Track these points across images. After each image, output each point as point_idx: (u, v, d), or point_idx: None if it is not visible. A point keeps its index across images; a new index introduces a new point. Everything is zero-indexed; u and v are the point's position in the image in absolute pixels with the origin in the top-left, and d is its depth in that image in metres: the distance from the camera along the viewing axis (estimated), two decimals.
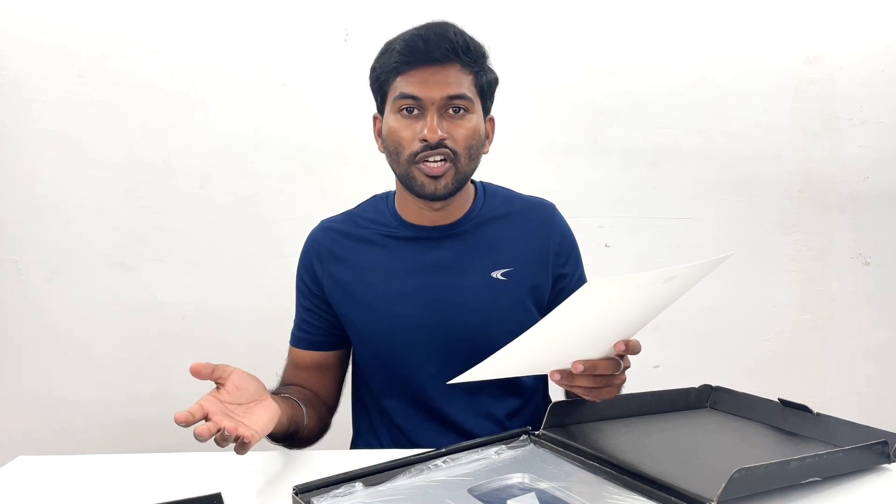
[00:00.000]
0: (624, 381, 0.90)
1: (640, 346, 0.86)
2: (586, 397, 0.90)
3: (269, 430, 0.88)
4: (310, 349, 1.17)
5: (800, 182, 1.94)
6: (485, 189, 1.18)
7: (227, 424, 0.79)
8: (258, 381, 0.91)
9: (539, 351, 0.83)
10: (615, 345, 0.84)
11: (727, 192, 1.92)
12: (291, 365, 1.19)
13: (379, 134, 1.10)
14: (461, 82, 1.02)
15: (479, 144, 1.06)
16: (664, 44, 1.87)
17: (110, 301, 1.76)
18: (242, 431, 0.80)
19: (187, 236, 1.77)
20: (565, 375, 0.85)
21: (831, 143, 1.94)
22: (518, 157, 1.82)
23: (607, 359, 0.85)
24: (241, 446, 0.80)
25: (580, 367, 0.83)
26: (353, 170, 1.79)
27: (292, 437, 1.05)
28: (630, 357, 0.89)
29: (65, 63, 1.70)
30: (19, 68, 1.69)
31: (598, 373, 0.84)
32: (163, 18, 1.72)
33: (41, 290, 1.74)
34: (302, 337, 1.18)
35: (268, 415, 0.88)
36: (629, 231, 1.91)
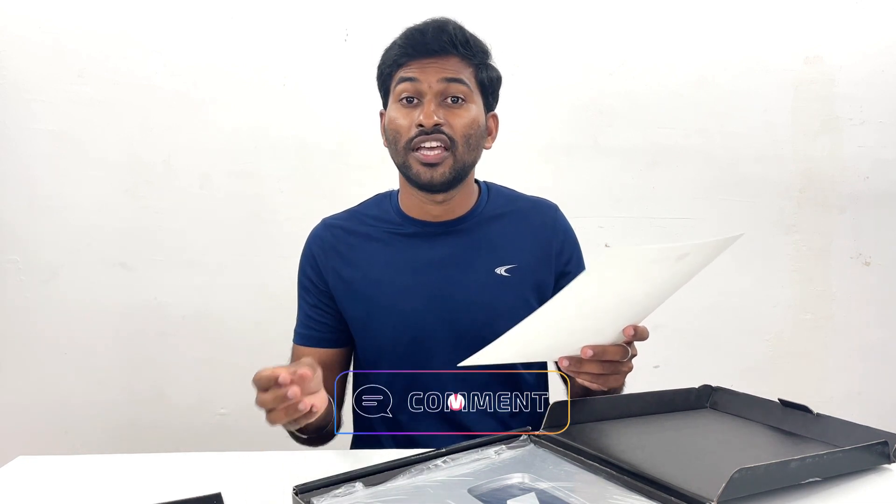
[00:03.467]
0: (631, 368, 0.90)
1: (647, 332, 0.87)
2: (592, 385, 0.90)
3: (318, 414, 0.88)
4: (315, 346, 1.17)
5: (800, 182, 1.94)
6: (489, 188, 1.20)
7: (307, 400, 0.81)
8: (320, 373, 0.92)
9: (548, 335, 0.83)
10: (624, 329, 0.84)
11: (727, 192, 1.92)
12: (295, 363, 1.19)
13: (384, 129, 1.12)
14: (459, 70, 1.04)
15: (478, 135, 1.07)
16: (664, 44, 1.87)
17: (110, 301, 1.76)
18: (315, 401, 0.82)
19: (187, 236, 1.77)
20: (573, 361, 0.86)
21: (831, 143, 1.94)
22: (518, 157, 1.82)
23: (616, 345, 0.86)
24: (308, 415, 0.82)
25: (589, 352, 0.83)
26: (353, 170, 1.79)
27: (319, 431, 1.05)
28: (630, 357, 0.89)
29: (65, 63, 1.70)
30: (19, 68, 1.69)
31: (606, 358, 0.85)
32: (163, 18, 1.72)
33: (41, 290, 1.74)
34: (307, 334, 1.18)
35: (321, 402, 0.88)
36: (629, 231, 1.90)
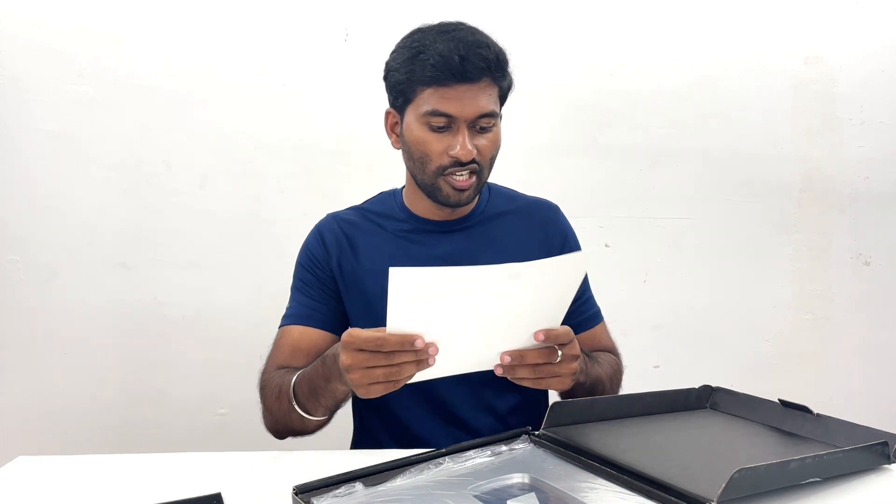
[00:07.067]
0: (573, 370, 0.91)
1: (568, 335, 0.88)
2: (533, 386, 0.92)
3: None
4: (318, 327, 1.13)
5: (800, 182, 1.94)
6: (489, 188, 1.22)
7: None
8: None
9: (469, 348, 0.86)
10: (534, 334, 0.86)
11: (727, 192, 1.92)
12: (290, 346, 1.13)
13: (392, 129, 1.12)
14: (490, 98, 1.04)
15: (497, 153, 1.10)
16: (664, 44, 1.87)
17: (110, 301, 1.76)
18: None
19: (187, 236, 1.77)
20: (507, 369, 0.88)
21: (831, 143, 1.94)
22: (518, 157, 1.81)
23: (539, 348, 0.87)
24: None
25: (507, 359, 0.86)
26: (352, 170, 1.79)
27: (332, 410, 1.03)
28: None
29: (65, 63, 1.70)
30: (19, 68, 1.69)
31: (527, 362, 0.87)
32: (163, 18, 1.72)
33: (41, 290, 1.74)
34: (310, 315, 1.13)
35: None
36: (629, 231, 1.90)
